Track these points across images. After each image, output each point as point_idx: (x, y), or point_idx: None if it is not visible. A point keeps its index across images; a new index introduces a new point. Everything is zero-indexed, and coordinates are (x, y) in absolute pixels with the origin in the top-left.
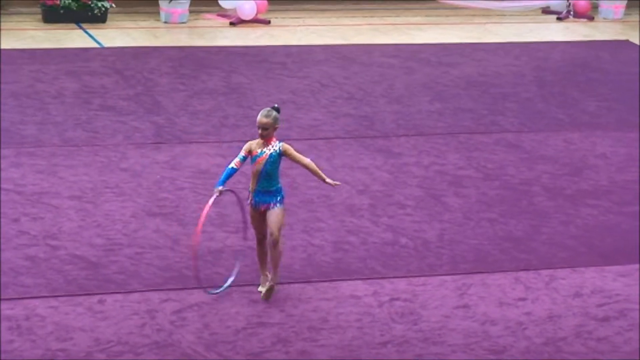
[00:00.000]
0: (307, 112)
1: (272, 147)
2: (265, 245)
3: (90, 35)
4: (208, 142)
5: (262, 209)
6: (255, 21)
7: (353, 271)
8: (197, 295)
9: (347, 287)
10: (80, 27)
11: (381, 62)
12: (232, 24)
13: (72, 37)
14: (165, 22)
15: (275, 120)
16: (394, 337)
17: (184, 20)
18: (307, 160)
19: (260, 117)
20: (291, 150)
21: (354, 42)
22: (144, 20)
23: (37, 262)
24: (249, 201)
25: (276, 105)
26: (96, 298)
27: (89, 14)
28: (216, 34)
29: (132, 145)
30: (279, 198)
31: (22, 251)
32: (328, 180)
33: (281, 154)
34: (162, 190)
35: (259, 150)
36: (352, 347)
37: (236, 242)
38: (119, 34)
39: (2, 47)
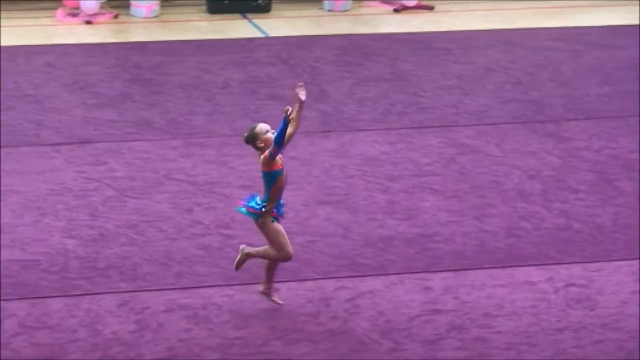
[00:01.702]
0: (474, 98)
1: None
2: None
3: (255, 25)
4: (376, 129)
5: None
6: (419, 7)
7: (527, 257)
8: (371, 283)
9: (522, 273)
10: (245, 17)
11: (547, 45)
12: (395, 10)
13: (236, 28)
14: (329, 11)
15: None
16: (570, 323)
17: (347, 8)
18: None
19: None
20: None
21: (519, 26)
22: (307, 9)
23: (210, 251)
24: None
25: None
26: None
27: (253, 4)
28: (379, 21)
29: (300, 133)
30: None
31: (196, 241)
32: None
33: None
34: (331, 178)
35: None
36: (529, 333)
37: (407, 230)
38: (283, 23)
39: (167, 38)
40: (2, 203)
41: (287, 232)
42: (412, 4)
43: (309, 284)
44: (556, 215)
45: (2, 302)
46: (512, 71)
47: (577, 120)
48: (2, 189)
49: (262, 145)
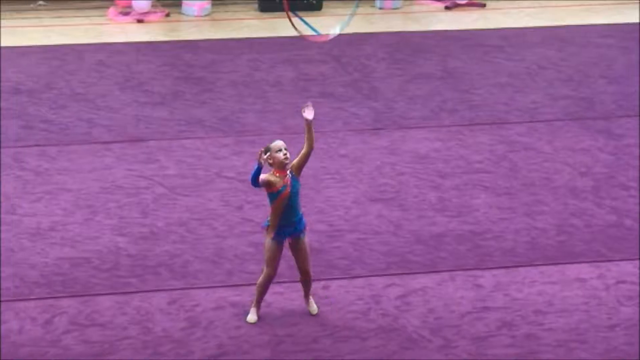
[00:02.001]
0: (526, 95)
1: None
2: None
3: (306, 23)
4: (427, 126)
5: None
6: (470, 5)
7: (578, 254)
8: (421, 280)
9: (573, 270)
10: (296, 15)
11: (598, 42)
12: (446, 8)
13: (288, 26)
14: (380, 9)
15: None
16: (621, 320)
17: (398, 6)
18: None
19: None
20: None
21: (570, 23)
22: (359, 7)
23: (261, 248)
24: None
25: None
26: (320, 283)
27: (305, 2)
28: (431, 19)
29: (351, 131)
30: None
31: (246, 238)
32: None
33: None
34: (382, 175)
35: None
36: (579, 330)
37: (458, 227)
38: (334, 21)
39: (219, 37)
40: (53, 201)
41: (338, 230)
42: (463, 1)
43: (359, 281)
44: (607, 212)
45: (53, 299)
46: (563, 68)
47: (629, 117)
48: (53, 187)
49: (271, 161)
